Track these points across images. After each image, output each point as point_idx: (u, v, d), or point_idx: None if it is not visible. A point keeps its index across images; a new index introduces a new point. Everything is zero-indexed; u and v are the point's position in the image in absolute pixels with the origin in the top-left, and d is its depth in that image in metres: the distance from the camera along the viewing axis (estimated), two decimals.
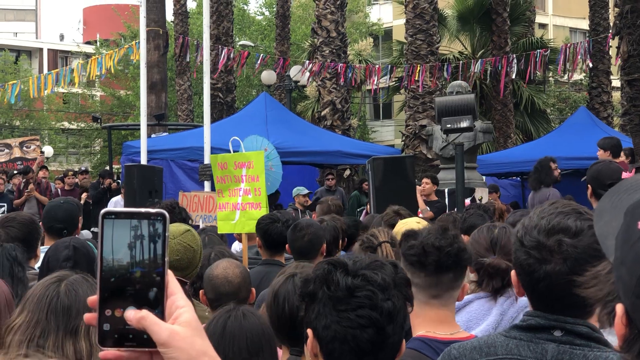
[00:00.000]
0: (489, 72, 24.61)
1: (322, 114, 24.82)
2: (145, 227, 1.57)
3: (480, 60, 25.43)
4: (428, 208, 13.42)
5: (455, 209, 13.13)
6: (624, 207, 1.50)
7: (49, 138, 54.42)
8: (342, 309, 2.40)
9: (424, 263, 3.46)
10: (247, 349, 3.29)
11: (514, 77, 25.56)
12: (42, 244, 6.15)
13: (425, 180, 14.46)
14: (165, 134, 23.28)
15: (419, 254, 3.47)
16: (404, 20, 24.70)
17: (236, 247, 9.66)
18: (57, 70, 24.85)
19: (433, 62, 23.65)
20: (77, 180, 20.90)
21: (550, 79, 46.00)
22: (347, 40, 26.44)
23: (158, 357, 1.56)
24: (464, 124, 14.24)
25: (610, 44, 26.37)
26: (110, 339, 1.57)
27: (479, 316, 4.30)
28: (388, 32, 54.84)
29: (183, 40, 27.63)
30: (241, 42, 38.38)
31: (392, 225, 6.62)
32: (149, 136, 17.28)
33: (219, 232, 8.92)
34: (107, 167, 28.53)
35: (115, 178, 20.30)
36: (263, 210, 9.40)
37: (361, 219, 13.92)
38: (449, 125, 14.24)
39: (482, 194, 15.93)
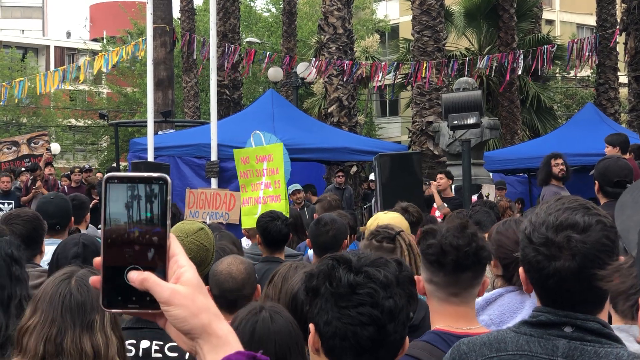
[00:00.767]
0: (494, 67, 24.56)
1: (329, 110, 24.80)
2: (145, 190, 1.60)
3: (486, 56, 25.40)
4: (445, 204, 13.40)
5: (462, 205, 13.13)
6: None
7: (56, 135, 54.45)
8: (344, 305, 2.40)
9: (442, 262, 3.45)
10: (275, 354, 3.25)
11: (520, 73, 25.50)
12: None
13: (439, 175, 14.43)
14: (172, 131, 23.29)
15: (438, 254, 3.45)
16: (411, 17, 24.67)
17: (243, 244, 9.67)
18: (64, 67, 24.88)
19: (440, 58, 23.63)
20: (82, 177, 20.92)
21: (557, 75, 45.95)
22: (354, 37, 26.41)
23: (161, 318, 1.60)
24: (471, 121, 14.23)
25: (617, 40, 26.33)
26: (114, 301, 1.61)
27: (512, 309, 4.28)
28: (395, 29, 54.83)
29: (190, 37, 27.65)
30: (248, 39, 38.39)
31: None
32: (155, 133, 17.30)
33: (242, 227, 8.94)
34: (114, 164, 28.57)
35: None
36: (282, 203, 9.44)
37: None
38: (455, 122, 14.23)
39: (489, 191, 15.93)
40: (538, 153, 15.91)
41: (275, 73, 30.78)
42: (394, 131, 53.98)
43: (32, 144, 24.60)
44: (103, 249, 1.60)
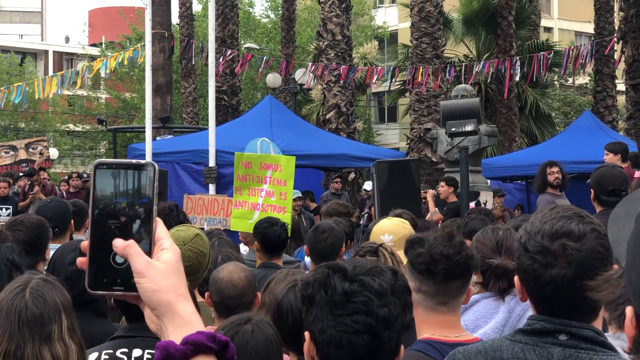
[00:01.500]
0: (490, 74, 24.57)
1: (327, 117, 24.82)
2: (133, 175, 1.66)
3: (483, 62, 25.42)
4: (437, 210, 13.43)
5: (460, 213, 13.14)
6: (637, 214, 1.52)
7: (54, 140, 54.43)
8: (338, 313, 2.40)
9: (432, 272, 3.46)
10: None
11: (517, 79, 25.52)
12: None
13: (440, 182, 14.49)
14: (170, 136, 23.29)
15: (428, 262, 3.46)
16: (410, 24, 24.71)
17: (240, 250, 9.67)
18: (62, 72, 24.88)
19: (438, 65, 23.66)
20: (80, 182, 20.94)
21: (556, 82, 45.96)
22: (353, 43, 26.45)
23: (144, 303, 1.65)
24: (469, 128, 14.23)
25: (615, 48, 26.36)
26: (99, 283, 1.65)
27: (487, 314, 4.32)
28: (393, 35, 54.84)
29: (188, 43, 27.67)
30: (246, 45, 38.42)
31: None
32: (154, 139, 17.30)
33: (231, 229, 8.94)
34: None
35: None
36: (287, 215, 9.42)
37: (362, 222, 13.92)
38: (453, 129, 14.23)
39: (487, 198, 15.95)
40: (536, 160, 15.92)
41: (273, 79, 30.80)
42: (392, 138, 53.98)
43: (31, 149, 24.62)
44: (90, 230, 1.65)
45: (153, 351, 4.06)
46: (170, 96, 26.70)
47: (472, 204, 13.76)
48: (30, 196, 18.51)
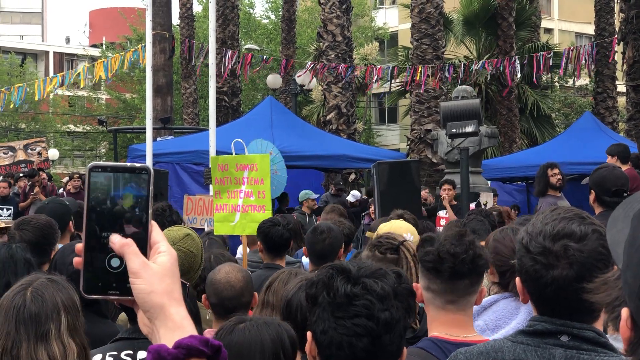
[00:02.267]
0: (492, 75, 24.55)
1: (328, 118, 24.83)
2: (127, 177, 1.66)
3: (482, 61, 25.41)
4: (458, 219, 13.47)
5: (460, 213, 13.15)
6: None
7: (55, 141, 54.46)
8: (340, 315, 2.41)
9: (439, 270, 3.46)
10: None
11: (519, 76, 25.50)
12: None
13: (447, 186, 14.49)
14: (170, 137, 23.30)
15: (434, 261, 3.47)
16: (410, 25, 24.70)
17: (239, 251, 9.66)
18: (62, 73, 24.88)
19: (437, 65, 23.65)
20: (81, 183, 20.91)
21: (556, 83, 45.95)
22: (353, 45, 26.45)
23: (137, 306, 1.64)
24: (469, 129, 14.23)
25: (615, 49, 26.35)
26: (94, 288, 1.65)
27: (507, 315, 4.30)
28: (394, 37, 54.86)
29: (189, 44, 27.67)
30: (247, 46, 38.42)
31: None
32: (154, 139, 17.31)
33: (215, 233, 8.94)
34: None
35: None
36: (267, 213, 9.40)
37: (365, 222, 13.95)
38: (454, 130, 14.24)
39: (487, 199, 15.95)
40: (536, 161, 15.91)
41: (274, 80, 30.81)
42: (393, 139, 54.00)
43: (29, 150, 24.62)
44: (85, 234, 1.65)
45: None
46: (170, 97, 26.71)
47: (472, 205, 13.76)
48: (30, 197, 18.51)
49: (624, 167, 9.84)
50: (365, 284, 2.42)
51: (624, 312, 1.50)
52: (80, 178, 21.28)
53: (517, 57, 24.82)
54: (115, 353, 3.65)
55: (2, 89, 25.24)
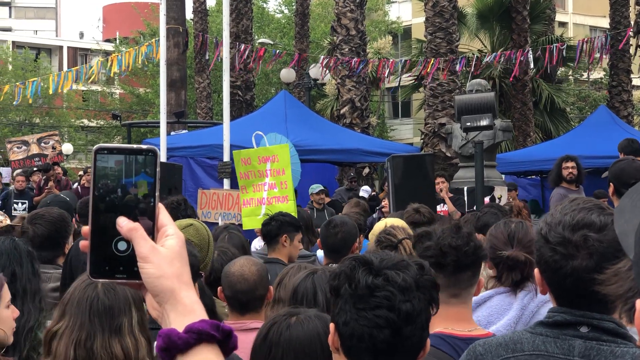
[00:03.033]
0: (506, 68, 24.48)
1: (341, 112, 24.81)
2: (135, 160, 1.63)
3: (494, 54, 25.35)
4: (456, 210, 13.43)
5: (475, 207, 13.11)
6: None
7: (69, 135, 54.60)
8: (361, 307, 2.41)
9: (442, 264, 3.47)
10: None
11: (532, 67, 25.40)
12: None
13: (440, 179, 14.46)
14: (184, 131, 23.33)
15: (437, 255, 3.48)
16: (424, 18, 24.65)
17: (255, 244, 9.67)
18: (77, 67, 24.94)
19: (450, 57, 23.60)
20: None
21: (570, 77, 45.81)
22: (367, 39, 26.41)
23: (146, 290, 1.63)
24: (484, 122, 14.20)
25: (630, 43, 26.25)
26: (101, 271, 1.63)
27: (500, 311, 4.32)
28: (407, 30, 54.76)
29: (202, 38, 27.69)
30: (260, 40, 38.42)
31: (413, 223, 6.64)
32: (168, 134, 17.32)
33: (244, 229, 8.94)
34: None
35: None
36: (290, 204, 9.43)
37: (375, 216, 13.91)
38: (468, 124, 14.21)
39: (502, 193, 15.90)
40: (551, 155, 15.87)
41: (287, 74, 30.81)
42: (406, 133, 53.93)
43: (42, 144, 24.66)
44: (91, 217, 1.62)
45: None
46: (184, 91, 26.72)
47: (486, 199, 13.73)
48: (45, 191, 18.55)
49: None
50: (386, 276, 2.42)
51: (638, 303, 1.48)
52: None
53: (530, 48, 24.72)
54: None
55: (17, 84, 25.31)
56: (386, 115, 55.25)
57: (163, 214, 1.65)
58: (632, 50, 26.66)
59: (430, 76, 23.00)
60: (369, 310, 2.40)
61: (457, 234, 3.50)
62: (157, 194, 1.64)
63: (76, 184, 21.74)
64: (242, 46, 25.00)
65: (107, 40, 70.62)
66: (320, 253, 7.48)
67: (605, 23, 35.02)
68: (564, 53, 23.97)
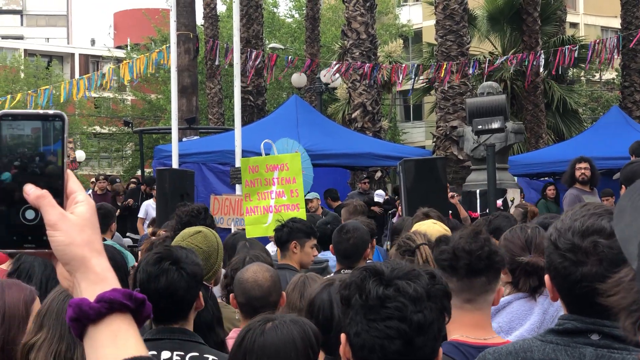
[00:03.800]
0: (517, 70, 24.44)
1: (353, 116, 24.81)
2: (40, 125, 1.59)
3: (506, 56, 25.30)
4: (467, 216, 13.40)
5: (487, 210, 13.08)
6: None
7: (81, 142, 54.74)
8: (372, 318, 2.39)
9: (455, 267, 3.45)
10: None
11: (542, 70, 25.36)
12: None
13: (452, 192, 14.44)
14: (196, 137, 23.35)
15: (450, 259, 3.47)
16: (434, 22, 24.63)
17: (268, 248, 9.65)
18: (88, 75, 25.00)
19: (462, 61, 23.57)
20: (107, 184, 20.96)
21: (582, 78, 45.69)
22: (377, 42, 26.40)
23: (56, 259, 1.59)
24: (495, 125, 14.18)
25: None
26: (9, 241, 1.59)
27: (521, 316, 4.29)
28: (418, 34, 54.73)
29: (213, 44, 27.72)
30: (271, 45, 38.45)
31: None
32: (180, 140, 17.34)
33: (247, 237, 8.93)
34: (139, 172, 28.63)
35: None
36: (302, 212, 9.40)
37: (394, 220, 13.90)
38: (480, 127, 14.18)
39: (514, 195, 15.85)
40: (563, 157, 15.84)
41: (299, 79, 30.82)
42: (418, 136, 53.88)
43: None
44: None
45: (182, 353, 4.03)
46: (195, 97, 26.75)
47: (499, 202, 13.70)
48: None
49: None
50: (397, 286, 2.39)
51: None
52: (105, 179, 21.35)
53: (542, 51, 24.67)
54: None
55: (29, 92, 25.38)
56: (398, 118, 55.21)
57: (72, 181, 1.61)
58: None
59: (445, 81, 22.96)
60: (380, 321, 2.37)
61: (473, 239, 3.49)
62: (65, 160, 1.60)
63: (89, 191, 21.78)
64: (254, 53, 24.97)
65: (119, 47, 70.81)
66: (328, 254, 7.49)
67: (616, 23, 34.90)
68: (577, 54, 23.89)
